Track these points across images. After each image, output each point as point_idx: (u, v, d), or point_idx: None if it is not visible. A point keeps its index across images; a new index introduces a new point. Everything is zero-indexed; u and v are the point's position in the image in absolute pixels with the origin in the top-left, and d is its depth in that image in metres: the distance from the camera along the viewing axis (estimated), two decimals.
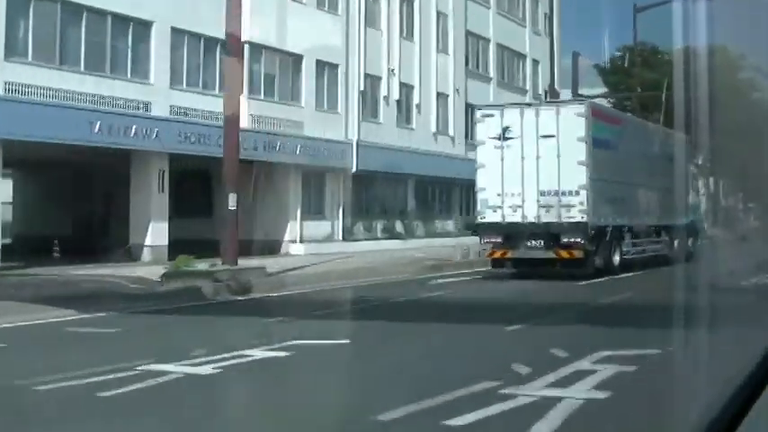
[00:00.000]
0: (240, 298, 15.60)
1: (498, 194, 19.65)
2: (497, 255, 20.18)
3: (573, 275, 18.94)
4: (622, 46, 50.02)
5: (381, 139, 32.96)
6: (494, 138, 19.75)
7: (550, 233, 19.35)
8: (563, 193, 19.20)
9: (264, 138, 26.47)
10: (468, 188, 38.14)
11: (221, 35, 19.84)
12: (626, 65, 46.20)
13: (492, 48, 42.70)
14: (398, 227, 34.27)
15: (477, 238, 21.28)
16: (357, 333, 10.85)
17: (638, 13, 40.78)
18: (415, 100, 36.10)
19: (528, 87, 44.81)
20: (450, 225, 37.89)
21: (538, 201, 19.39)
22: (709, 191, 39.47)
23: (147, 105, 23.38)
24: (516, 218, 19.57)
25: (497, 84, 42.68)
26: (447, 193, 38.76)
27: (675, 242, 24.48)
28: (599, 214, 19.68)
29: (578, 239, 19.16)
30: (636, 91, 43.22)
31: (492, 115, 20.18)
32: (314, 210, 30.06)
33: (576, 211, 19.12)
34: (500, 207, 19.69)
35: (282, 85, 28.33)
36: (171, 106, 24.12)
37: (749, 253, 27.59)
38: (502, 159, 19.57)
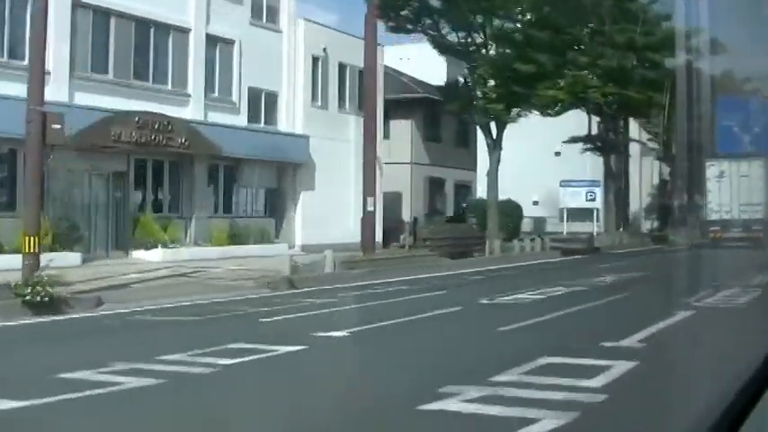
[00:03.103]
0: None
1: (718, 204, 38.99)
2: (717, 236, 39.37)
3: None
4: None
5: None
6: (716, 176, 39.15)
7: (746, 224, 38.36)
8: (752, 204, 38.25)
9: None
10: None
11: None
12: None
13: None
14: None
15: None
16: None
17: None
18: None
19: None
20: None
21: (739, 207, 38.53)
22: None
23: None
24: (728, 216, 38.83)
25: None
26: None
27: None
28: None
29: (761, 228, 38.08)
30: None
31: (714, 164, 39.66)
32: None
33: (760, 213, 38.12)
34: (719, 211, 39.00)
35: None
36: None
37: None
38: (719, 188, 38.93)
